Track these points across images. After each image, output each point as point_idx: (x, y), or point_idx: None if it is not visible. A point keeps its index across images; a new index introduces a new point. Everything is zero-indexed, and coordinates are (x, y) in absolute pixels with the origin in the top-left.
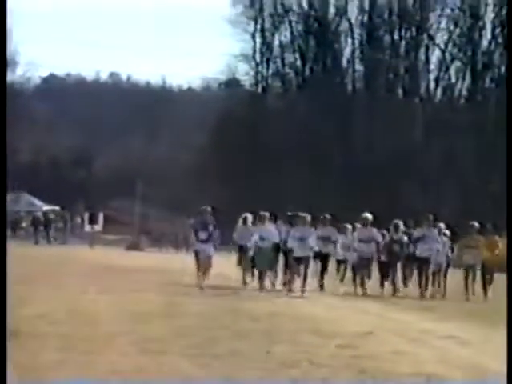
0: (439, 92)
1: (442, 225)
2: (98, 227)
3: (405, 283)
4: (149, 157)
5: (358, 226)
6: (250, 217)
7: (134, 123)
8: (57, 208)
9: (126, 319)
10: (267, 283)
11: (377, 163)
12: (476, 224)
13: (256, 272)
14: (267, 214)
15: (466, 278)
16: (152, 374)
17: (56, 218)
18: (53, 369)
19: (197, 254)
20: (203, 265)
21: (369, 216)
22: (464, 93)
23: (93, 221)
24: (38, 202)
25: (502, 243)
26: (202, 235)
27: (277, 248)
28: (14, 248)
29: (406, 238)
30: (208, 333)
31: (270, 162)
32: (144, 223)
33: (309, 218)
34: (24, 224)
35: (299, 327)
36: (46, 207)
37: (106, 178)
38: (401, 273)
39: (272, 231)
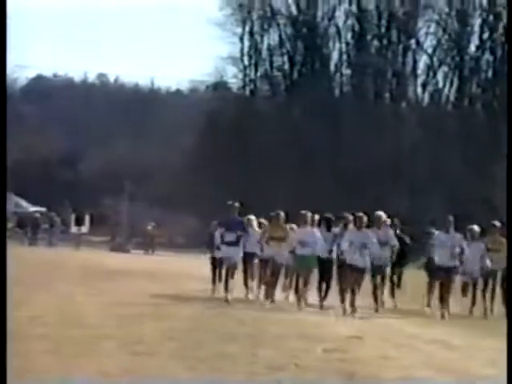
0: (426, 97)
1: (475, 227)
2: (85, 228)
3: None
4: (136, 158)
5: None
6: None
7: (122, 124)
8: (43, 209)
9: (112, 322)
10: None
11: (364, 166)
12: (498, 224)
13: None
14: (309, 214)
15: (485, 288)
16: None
17: (42, 219)
18: (39, 368)
19: (220, 259)
20: (227, 272)
21: (383, 215)
22: (451, 98)
23: (79, 222)
24: (24, 203)
25: None
26: (229, 237)
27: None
28: None
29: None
30: None
31: (258, 165)
32: (131, 224)
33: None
34: (10, 225)
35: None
36: (32, 208)
37: (93, 179)
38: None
39: (316, 235)
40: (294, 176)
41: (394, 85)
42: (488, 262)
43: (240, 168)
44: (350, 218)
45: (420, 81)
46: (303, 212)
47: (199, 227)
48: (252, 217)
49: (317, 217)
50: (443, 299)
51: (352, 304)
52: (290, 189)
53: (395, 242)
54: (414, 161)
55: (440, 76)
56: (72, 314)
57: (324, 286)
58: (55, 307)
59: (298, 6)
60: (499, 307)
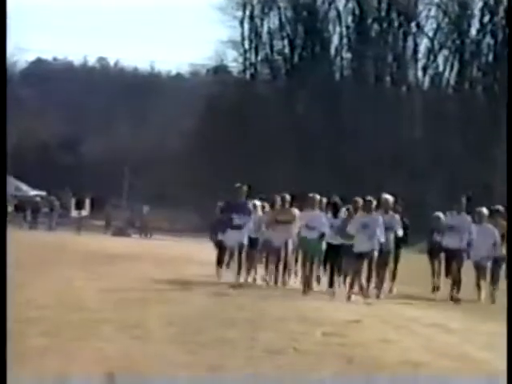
0: (427, 80)
1: (483, 210)
2: (85, 212)
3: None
4: (136, 142)
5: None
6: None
7: (122, 108)
8: (43, 193)
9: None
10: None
11: (364, 149)
12: (501, 208)
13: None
14: (317, 197)
15: (479, 276)
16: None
17: (42, 203)
18: (37, 352)
19: (223, 242)
20: (231, 255)
21: (390, 198)
22: (452, 81)
23: (80, 206)
24: (24, 187)
25: None
26: (237, 220)
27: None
28: None
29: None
30: None
31: (258, 148)
32: (134, 210)
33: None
34: (9, 209)
35: None
36: (32, 192)
37: (93, 163)
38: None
39: (322, 219)
40: (294, 160)
41: (394, 68)
42: (501, 249)
43: (240, 151)
44: (360, 201)
45: (420, 64)
46: (311, 195)
47: (199, 211)
48: (258, 202)
49: (325, 200)
50: (453, 282)
51: (361, 288)
52: (290, 172)
53: (400, 228)
54: (414, 144)
55: (440, 59)
56: (71, 297)
57: (330, 271)
58: (54, 291)
59: None
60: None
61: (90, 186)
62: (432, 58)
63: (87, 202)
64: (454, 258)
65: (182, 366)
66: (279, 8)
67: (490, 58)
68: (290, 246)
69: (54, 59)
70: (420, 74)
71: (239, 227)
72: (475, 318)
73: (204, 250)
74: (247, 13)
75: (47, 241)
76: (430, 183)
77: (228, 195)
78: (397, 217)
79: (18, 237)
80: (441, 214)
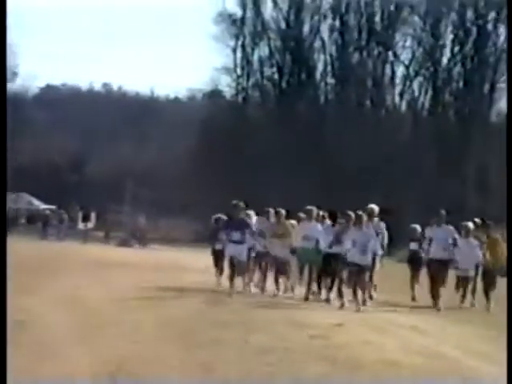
0: (404, 104)
1: (469, 223)
2: (91, 225)
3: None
4: (138, 161)
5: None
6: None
7: (125, 130)
8: (53, 207)
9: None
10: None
11: (347, 166)
12: (478, 220)
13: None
14: (314, 210)
15: (458, 285)
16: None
17: (52, 216)
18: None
19: (224, 255)
20: (232, 270)
21: (375, 208)
22: (426, 105)
23: (86, 219)
24: (36, 202)
25: (503, 242)
26: (235, 235)
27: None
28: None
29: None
30: None
31: (250, 166)
32: (133, 222)
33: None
34: (22, 221)
35: None
36: (43, 206)
37: (98, 179)
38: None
39: (319, 230)
40: (284, 176)
41: (373, 93)
42: (481, 258)
43: (233, 169)
44: (352, 216)
45: (398, 90)
46: (309, 207)
47: (195, 224)
48: (250, 211)
49: (321, 212)
50: (435, 291)
51: (363, 300)
52: (280, 188)
53: (385, 236)
54: (392, 161)
55: (416, 85)
56: (77, 301)
57: (327, 279)
58: (61, 295)
59: (286, 21)
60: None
61: (95, 201)
62: (408, 83)
63: (93, 215)
64: (438, 268)
65: (176, 365)
66: (269, 38)
67: (461, 84)
68: (287, 257)
69: (63, 85)
70: (397, 98)
71: (239, 242)
72: (456, 323)
73: (200, 259)
74: (240, 42)
75: (57, 250)
76: (406, 196)
77: (222, 209)
78: (382, 225)
79: (31, 246)
80: (417, 226)
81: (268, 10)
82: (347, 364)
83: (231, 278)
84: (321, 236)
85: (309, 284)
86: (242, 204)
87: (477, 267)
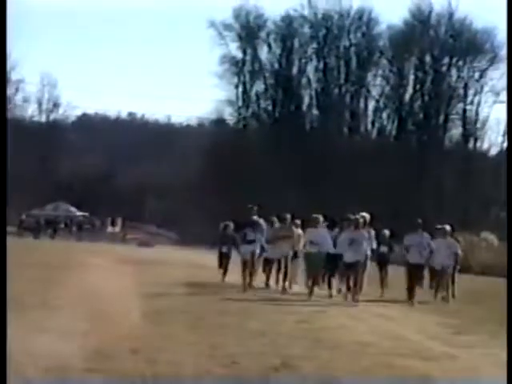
0: (375, 132)
1: (447, 227)
2: (118, 229)
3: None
4: (157, 177)
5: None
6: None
7: (146, 151)
8: (87, 214)
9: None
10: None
11: (328, 182)
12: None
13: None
14: (320, 217)
15: (438, 281)
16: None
17: (86, 221)
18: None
19: (243, 254)
20: (250, 265)
21: (367, 216)
22: (393, 133)
23: (113, 224)
24: (73, 209)
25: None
26: (250, 235)
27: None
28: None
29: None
30: None
31: (249, 181)
32: (152, 226)
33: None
34: (62, 225)
35: None
36: (78, 213)
37: (124, 191)
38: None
39: (325, 236)
40: (277, 188)
41: (350, 122)
42: (459, 251)
43: (236, 184)
44: (351, 219)
45: (370, 119)
46: (315, 216)
47: (205, 230)
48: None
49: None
50: (411, 289)
51: (354, 294)
52: (274, 199)
53: (374, 242)
54: (365, 178)
55: (384, 116)
56: (105, 291)
57: (328, 277)
58: (92, 286)
59: (279, 62)
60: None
61: (122, 209)
62: (378, 114)
63: (119, 220)
64: (414, 271)
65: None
66: (264, 77)
67: (421, 115)
68: (289, 258)
69: (96, 113)
70: (369, 126)
71: (252, 242)
72: (423, 313)
73: (203, 258)
74: (241, 79)
75: (91, 248)
76: (375, 206)
77: (226, 217)
78: (372, 232)
79: (68, 245)
80: (387, 231)
81: (264, 53)
82: (327, 343)
83: (244, 276)
84: (325, 241)
85: (312, 283)
86: (255, 207)
87: (455, 264)
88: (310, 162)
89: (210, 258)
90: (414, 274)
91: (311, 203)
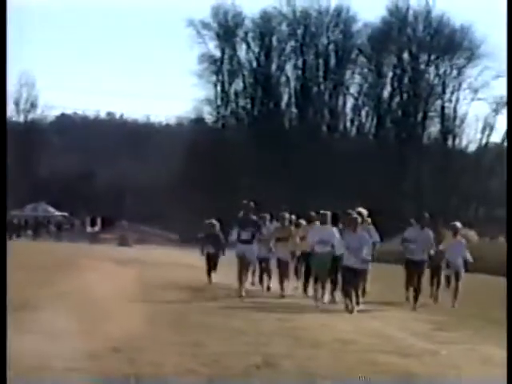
0: (353, 129)
1: (457, 224)
2: (97, 228)
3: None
4: (135, 175)
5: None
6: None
7: (125, 150)
8: (66, 214)
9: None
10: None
11: (306, 178)
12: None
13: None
14: (328, 214)
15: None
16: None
17: (65, 221)
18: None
19: (238, 256)
20: (246, 268)
21: (364, 212)
22: (372, 130)
23: (93, 223)
24: (52, 210)
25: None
26: (244, 235)
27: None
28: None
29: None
30: None
31: (228, 178)
32: (131, 225)
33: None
34: (51, 226)
35: None
36: (58, 213)
37: (103, 191)
38: None
39: (335, 234)
40: (255, 185)
41: (329, 120)
42: (469, 256)
43: (214, 181)
44: (352, 215)
45: (348, 117)
46: (323, 212)
47: (185, 229)
48: (267, 215)
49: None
50: (415, 290)
51: (357, 301)
52: (252, 194)
53: (378, 238)
54: (342, 175)
55: (363, 114)
56: (88, 291)
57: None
58: (74, 284)
59: (257, 61)
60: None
61: (101, 209)
62: (357, 112)
63: (99, 220)
64: (416, 269)
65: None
66: (243, 75)
67: (399, 113)
68: (288, 260)
69: (74, 113)
70: (348, 124)
71: (247, 242)
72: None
73: (189, 257)
74: (219, 78)
75: (69, 249)
76: (356, 204)
77: (206, 215)
78: (372, 228)
79: (47, 246)
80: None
81: (242, 52)
82: (308, 341)
83: (240, 279)
84: (335, 241)
85: (322, 286)
86: (251, 203)
87: (465, 264)
88: (289, 160)
89: (194, 257)
90: (416, 272)
91: (291, 201)
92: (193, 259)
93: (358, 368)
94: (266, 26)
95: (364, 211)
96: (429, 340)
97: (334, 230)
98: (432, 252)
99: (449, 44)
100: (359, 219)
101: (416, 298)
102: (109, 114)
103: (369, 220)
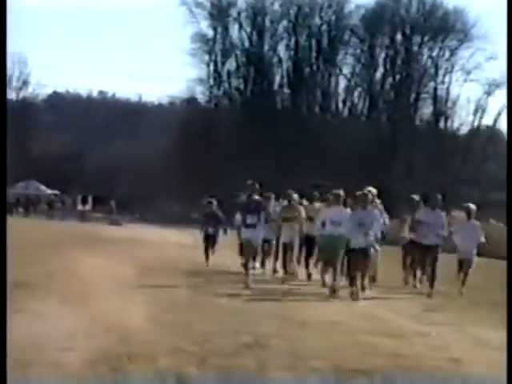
0: (346, 110)
1: (471, 205)
2: (88, 207)
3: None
4: (127, 154)
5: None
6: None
7: (117, 129)
8: (57, 192)
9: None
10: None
11: (299, 159)
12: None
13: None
14: (341, 193)
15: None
16: None
17: (56, 199)
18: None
19: (244, 241)
20: (249, 253)
21: (373, 190)
22: (364, 111)
23: (84, 202)
24: (43, 188)
25: None
26: (249, 219)
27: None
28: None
29: None
30: None
31: (220, 159)
32: (123, 204)
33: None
34: (31, 204)
35: None
36: (49, 191)
37: (95, 169)
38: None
39: (347, 216)
40: (247, 165)
41: (321, 101)
42: (483, 239)
43: (206, 162)
44: (358, 194)
45: (341, 98)
46: (335, 191)
47: (177, 208)
48: (271, 194)
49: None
50: (428, 276)
51: (362, 286)
52: (244, 174)
53: (387, 218)
54: (334, 155)
55: (356, 95)
56: (76, 270)
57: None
58: (63, 264)
59: (250, 41)
60: None
61: (92, 187)
62: (349, 93)
63: (90, 199)
64: (429, 254)
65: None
66: (236, 55)
67: (392, 94)
68: (293, 242)
69: (66, 92)
70: (340, 105)
71: (252, 226)
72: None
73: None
74: (212, 58)
75: (60, 227)
76: (348, 184)
77: (200, 194)
78: (381, 207)
79: (39, 224)
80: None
81: (235, 31)
82: (296, 320)
83: (246, 266)
84: (347, 222)
85: (333, 273)
86: (256, 184)
87: (478, 248)
88: (281, 141)
89: (185, 236)
90: (427, 257)
91: (283, 180)
92: (184, 238)
93: (346, 348)
94: (258, 5)
95: (374, 190)
96: (414, 321)
97: (348, 211)
98: (445, 234)
99: (442, 26)
100: (370, 196)
101: (432, 285)
102: (101, 92)
103: (378, 201)
